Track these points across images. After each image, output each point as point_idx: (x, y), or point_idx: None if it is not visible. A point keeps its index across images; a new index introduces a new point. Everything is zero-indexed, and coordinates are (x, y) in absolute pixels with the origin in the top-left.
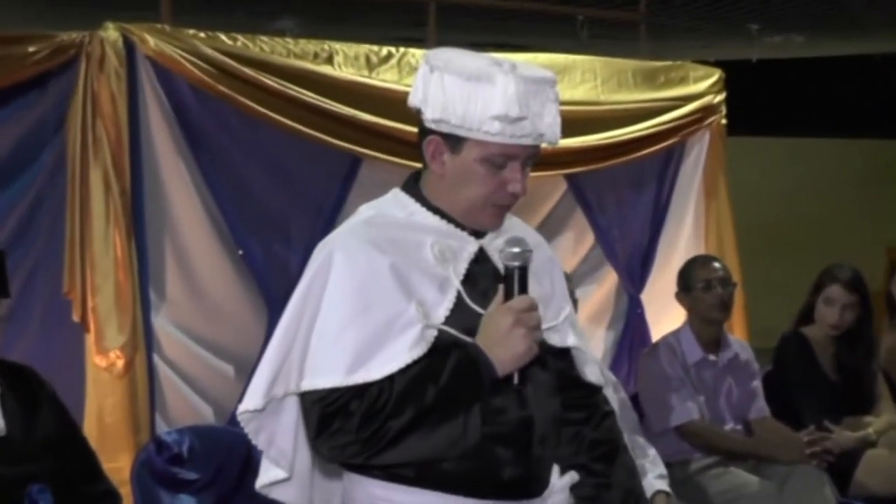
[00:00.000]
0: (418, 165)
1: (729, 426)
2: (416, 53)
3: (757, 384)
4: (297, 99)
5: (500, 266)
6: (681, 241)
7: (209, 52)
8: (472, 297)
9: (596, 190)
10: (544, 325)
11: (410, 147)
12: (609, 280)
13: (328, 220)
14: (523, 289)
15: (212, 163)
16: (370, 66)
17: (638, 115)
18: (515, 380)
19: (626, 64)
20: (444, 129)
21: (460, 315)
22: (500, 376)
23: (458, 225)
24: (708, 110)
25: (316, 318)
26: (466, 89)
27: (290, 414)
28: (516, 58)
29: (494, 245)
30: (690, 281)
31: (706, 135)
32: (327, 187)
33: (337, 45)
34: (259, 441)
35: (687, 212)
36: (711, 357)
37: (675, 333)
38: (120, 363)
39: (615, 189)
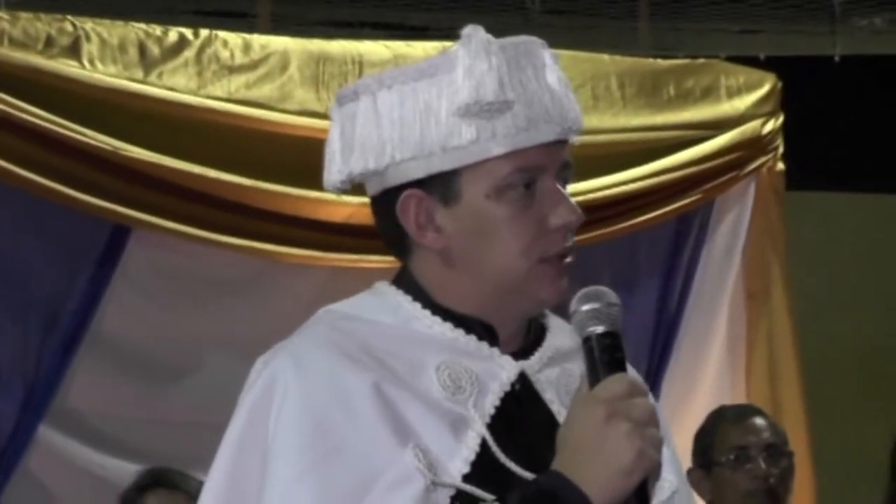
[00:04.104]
0: (233, 241)
1: None
2: (229, 40)
3: None
4: (11, 119)
5: (556, 404)
6: (703, 374)
7: None
8: (507, 449)
9: None
10: None
11: (220, 209)
12: None
13: (68, 338)
14: (616, 366)
15: None
16: (146, 62)
17: (628, 155)
18: None
19: (609, 63)
20: (415, 172)
21: (487, 476)
22: None
23: (484, 336)
24: (754, 146)
25: (264, 474)
26: (419, 94)
27: None
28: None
29: (546, 374)
30: (713, 449)
31: (749, 189)
32: (66, 279)
33: (88, 24)
34: None
35: (715, 323)
36: None
37: None
38: None
39: (591, 281)
